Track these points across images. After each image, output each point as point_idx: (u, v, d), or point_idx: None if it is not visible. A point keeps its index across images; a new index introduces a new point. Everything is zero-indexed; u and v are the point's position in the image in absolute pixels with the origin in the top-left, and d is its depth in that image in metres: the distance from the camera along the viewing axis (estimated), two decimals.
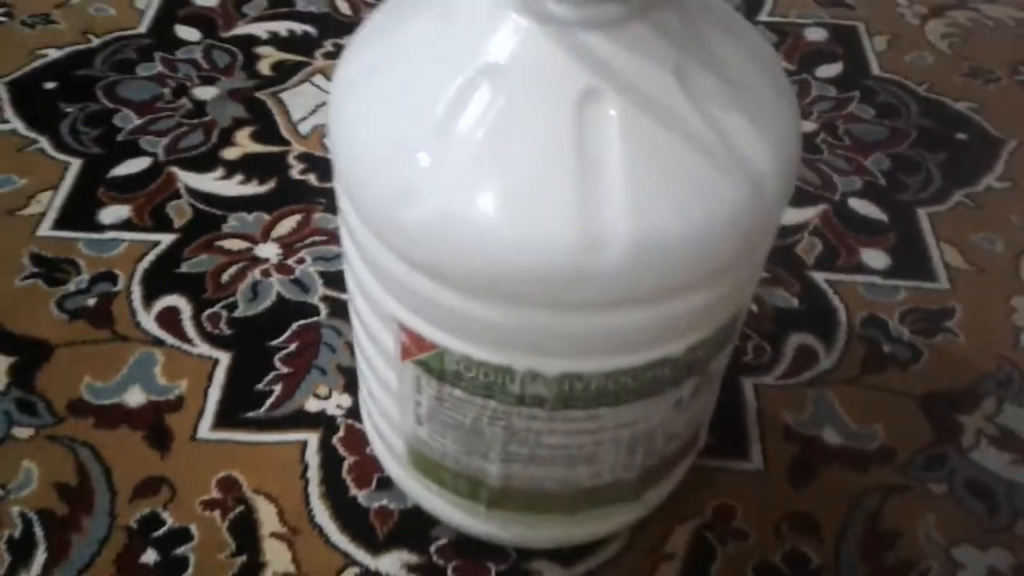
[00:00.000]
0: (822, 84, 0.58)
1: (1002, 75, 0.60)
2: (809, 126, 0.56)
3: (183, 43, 0.58)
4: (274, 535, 0.38)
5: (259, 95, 0.55)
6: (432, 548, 0.38)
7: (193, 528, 0.38)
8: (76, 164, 0.51)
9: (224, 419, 0.41)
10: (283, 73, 0.57)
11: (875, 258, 0.49)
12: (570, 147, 0.24)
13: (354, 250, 0.29)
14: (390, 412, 0.33)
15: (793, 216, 0.51)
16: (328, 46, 0.59)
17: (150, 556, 0.37)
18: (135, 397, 0.42)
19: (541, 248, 0.24)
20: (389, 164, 0.25)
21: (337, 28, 0.60)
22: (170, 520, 0.38)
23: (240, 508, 0.38)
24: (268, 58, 0.58)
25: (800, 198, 0.52)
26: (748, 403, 0.43)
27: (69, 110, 0.54)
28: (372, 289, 0.29)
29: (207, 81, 0.56)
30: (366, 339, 0.32)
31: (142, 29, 0.59)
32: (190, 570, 0.36)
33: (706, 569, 0.37)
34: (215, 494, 0.39)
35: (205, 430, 0.41)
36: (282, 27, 0.60)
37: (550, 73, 0.24)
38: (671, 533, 0.38)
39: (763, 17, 0.63)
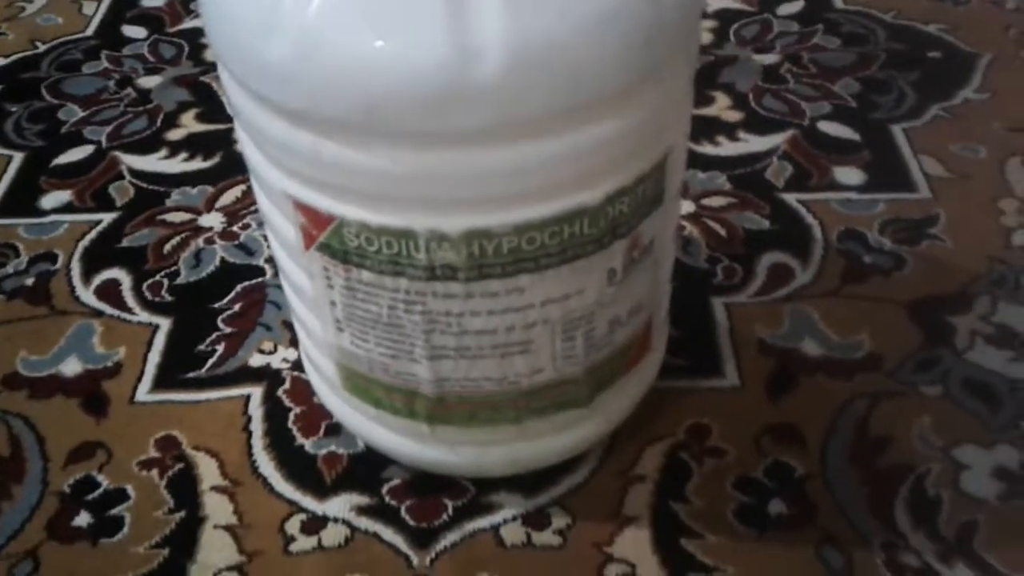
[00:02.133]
0: (784, 21, 0.56)
1: None
2: (772, 59, 0.54)
3: (130, 41, 0.58)
4: (214, 488, 0.35)
5: (205, 79, 0.54)
6: (384, 489, 0.35)
7: (129, 488, 0.35)
8: (18, 157, 0.50)
9: (163, 381, 0.39)
10: None
11: (849, 175, 0.46)
12: None
13: (243, 134, 0.27)
14: (314, 328, 0.31)
15: (759, 144, 0.48)
16: None
17: (83, 518, 0.34)
18: (71, 367, 0.40)
19: (412, 66, 0.22)
20: (244, 7, 0.23)
21: None
22: (105, 482, 0.35)
23: (179, 465, 0.36)
24: None
25: (765, 126, 0.49)
26: (719, 322, 0.40)
27: (14, 110, 0.53)
28: (263, 169, 0.27)
29: (153, 71, 0.55)
30: (276, 243, 0.30)
31: (89, 32, 0.59)
32: (125, 529, 0.34)
33: (681, 489, 0.34)
34: (153, 453, 0.36)
35: (143, 393, 0.38)
36: None
37: None
38: (641, 455, 0.35)
39: None
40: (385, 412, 0.32)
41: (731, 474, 0.35)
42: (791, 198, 0.45)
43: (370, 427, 0.33)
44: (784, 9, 0.57)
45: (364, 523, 0.34)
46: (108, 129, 0.51)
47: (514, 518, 0.34)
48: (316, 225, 0.26)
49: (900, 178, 0.46)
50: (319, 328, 0.30)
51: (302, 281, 0.29)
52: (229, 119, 0.52)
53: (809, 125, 0.49)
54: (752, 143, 0.48)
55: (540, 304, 0.27)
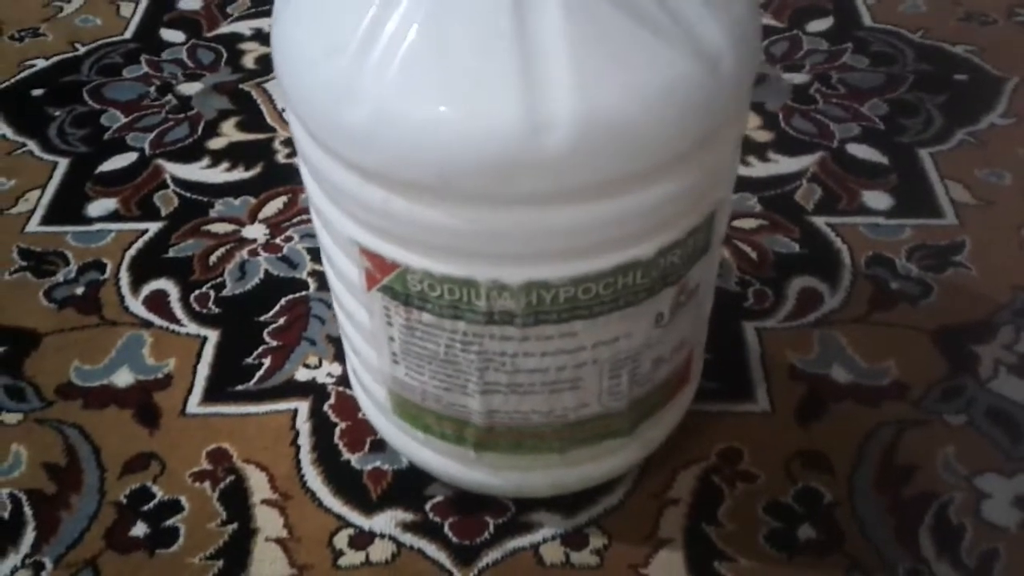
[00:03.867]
0: (813, 38, 0.57)
1: (998, 17, 0.58)
2: (801, 78, 0.54)
3: (168, 45, 0.59)
4: (265, 502, 0.37)
5: (244, 87, 0.55)
6: (427, 506, 0.36)
7: (183, 500, 0.37)
8: (63, 163, 0.51)
9: (213, 394, 0.40)
10: (267, 65, 0.57)
11: (877, 199, 0.48)
12: (508, 29, 0.23)
13: (311, 179, 0.29)
14: (368, 357, 0.32)
15: (789, 165, 0.49)
16: None
17: (140, 529, 0.36)
18: (123, 378, 0.41)
19: (483, 135, 0.23)
20: (324, 66, 0.24)
21: None
22: (160, 493, 0.37)
23: (231, 478, 0.37)
24: (252, 52, 0.58)
25: (795, 147, 0.50)
26: (751, 347, 0.41)
27: (57, 114, 0.54)
28: (331, 214, 0.28)
29: (192, 78, 0.56)
30: (335, 278, 0.31)
31: (127, 35, 0.60)
32: (180, 540, 0.35)
33: (713, 512, 0.36)
34: (205, 465, 0.38)
35: (194, 405, 0.40)
36: (265, 23, 0.60)
37: None
38: (675, 478, 0.37)
39: None
40: (434, 437, 0.33)
41: (762, 498, 0.36)
42: (820, 221, 0.46)
43: (418, 449, 0.34)
44: (814, 26, 0.58)
45: (409, 539, 0.35)
46: (151, 136, 0.52)
47: (553, 537, 0.35)
48: (380, 270, 0.27)
49: (927, 203, 0.47)
50: (374, 358, 0.32)
51: (361, 315, 0.31)
52: (269, 128, 0.53)
53: (838, 147, 0.50)
54: (782, 164, 0.49)
55: (591, 347, 0.28)
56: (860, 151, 0.50)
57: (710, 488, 0.36)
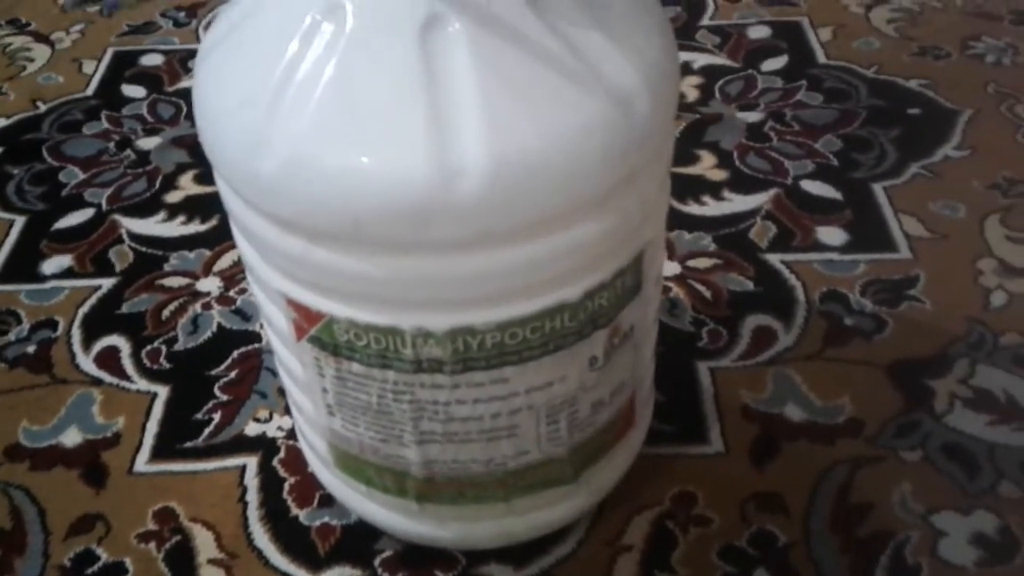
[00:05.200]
0: (768, 77, 0.58)
1: (952, 51, 0.59)
2: (755, 116, 0.55)
3: (129, 100, 0.59)
4: (211, 562, 0.36)
5: None
6: (376, 561, 0.36)
7: (127, 562, 0.36)
8: (20, 221, 0.51)
9: (161, 451, 0.40)
10: None
11: (831, 235, 0.48)
12: (417, 77, 0.23)
13: (238, 231, 0.28)
14: (307, 409, 0.32)
15: (744, 203, 0.49)
16: None
17: None
18: (71, 437, 0.40)
19: (394, 184, 0.23)
20: (236, 119, 0.24)
21: None
22: (104, 556, 0.36)
23: (176, 538, 0.37)
24: None
25: (749, 185, 0.50)
26: (704, 387, 0.41)
27: (15, 172, 0.54)
28: (257, 266, 0.28)
29: (151, 132, 0.56)
30: (269, 330, 0.31)
31: (89, 92, 0.60)
32: None
33: (667, 559, 0.35)
34: (151, 526, 0.37)
35: (142, 464, 0.39)
36: None
37: (390, 3, 0.23)
38: (628, 524, 0.36)
39: (705, 21, 0.63)
40: (376, 490, 0.32)
41: (716, 543, 0.35)
42: (775, 259, 0.46)
43: (362, 502, 0.34)
44: (768, 65, 0.59)
45: None
46: (108, 192, 0.52)
47: None
48: (307, 320, 0.27)
49: (881, 238, 0.47)
50: (311, 410, 0.31)
51: (295, 366, 0.30)
52: None
53: (792, 184, 0.50)
54: (736, 202, 0.50)
55: (524, 392, 0.28)
56: (814, 187, 0.50)
57: (664, 534, 0.36)
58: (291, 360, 0.30)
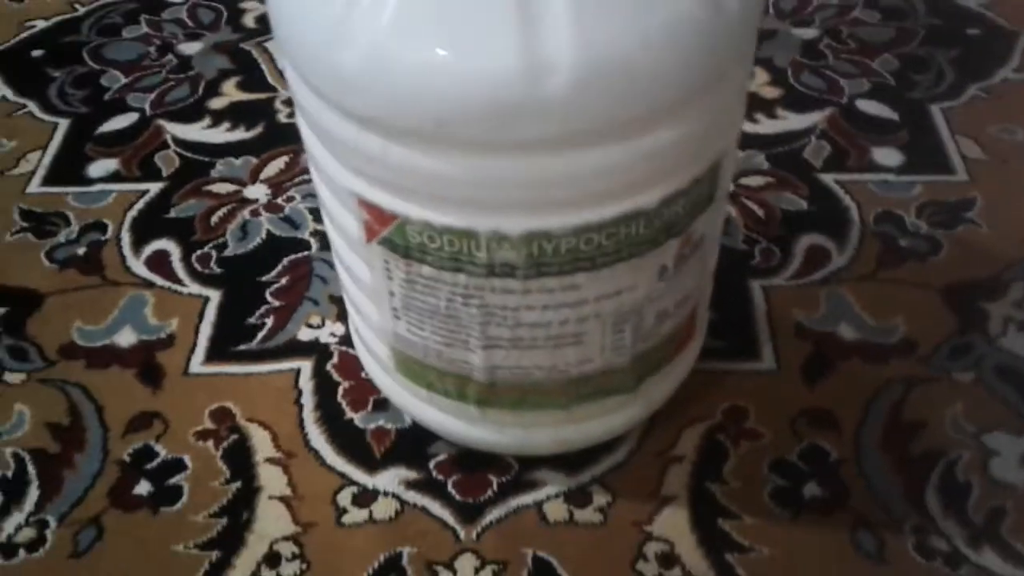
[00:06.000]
0: None
1: None
2: (811, 33, 0.53)
3: (168, 5, 0.58)
4: (269, 460, 0.36)
5: (244, 46, 0.55)
6: (431, 464, 0.36)
7: (187, 459, 0.37)
8: (64, 124, 0.51)
9: (216, 353, 0.40)
10: (268, 24, 0.56)
11: (887, 156, 0.47)
12: None
13: (309, 130, 0.28)
14: (370, 314, 0.32)
15: (798, 121, 0.49)
16: None
17: (143, 487, 0.36)
18: (126, 338, 0.41)
19: (482, 79, 0.22)
20: (316, 10, 0.24)
21: None
22: (163, 452, 0.37)
23: (234, 437, 0.37)
24: (252, 12, 0.57)
25: (804, 103, 0.49)
26: (757, 305, 0.41)
27: (56, 75, 0.53)
28: (329, 166, 0.27)
29: (192, 37, 0.55)
30: (335, 233, 0.31)
31: None
32: (184, 498, 0.35)
33: (719, 470, 0.35)
34: (208, 425, 0.38)
35: (197, 365, 0.40)
36: None
37: None
38: (679, 436, 0.36)
39: None
40: (437, 394, 0.33)
41: (767, 456, 0.36)
42: (829, 179, 0.46)
43: (421, 407, 0.34)
44: None
45: (412, 497, 0.35)
46: (151, 96, 0.52)
47: (556, 495, 0.35)
48: (379, 221, 0.27)
49: (938, 160, 0.46)
50: (375, 314, 0.31)
51: (361, 270, 0.30)
52: (270, 88, 0.52)
53: (848, 103, 0.49)
54: (791, 121, 0.49)
55: (594, 300, 0.28)
56: (870, 107, 0.49)
57: (715, 446, 0.36)
58: (357, 263, 0.30)
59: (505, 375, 0.31)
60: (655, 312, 0.30)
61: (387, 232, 0.27)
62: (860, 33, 0.53)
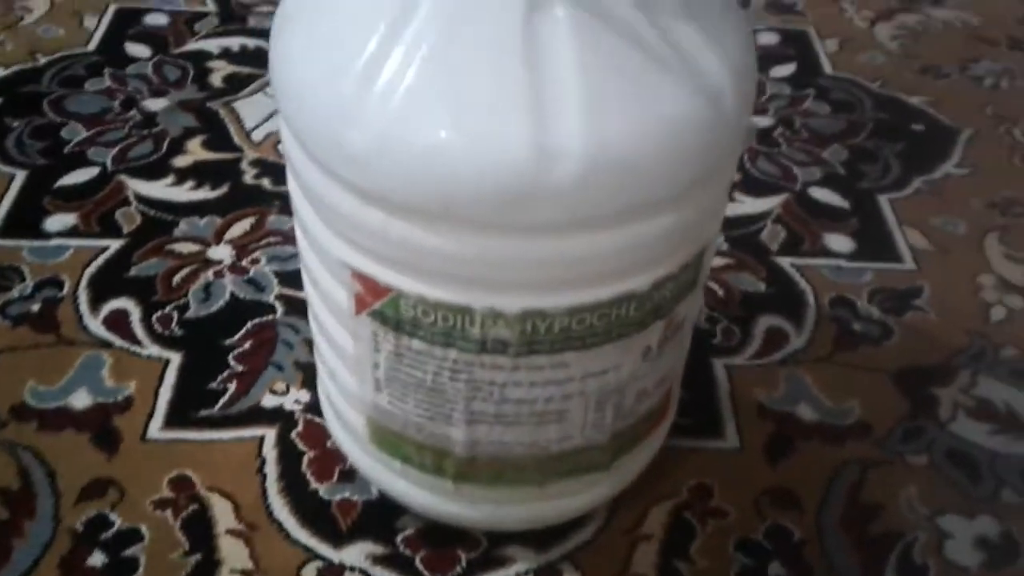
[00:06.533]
0: (777, 83, 0.59)
1: (952, 71, 0.61)
2: (766, 121, 0.56)
3: (133, 60, 0.57)
4: (230, 532, 0.35)
5: (211, 105, 0.54)
6: (398, 539, 0.36)
7: (143, 528, 0.35)
8: (21, 175, 0.49)
9: (176, 418, 0.39)
10: (236, 84, 0.56)
11: (839, 242, 0.49)
12: (519, 57, 0.23)
13: (302, 197, 0.28)
14: (347, 384, 0.32)
15: (755, 205, 0.50)
16: None
17: (97, 558, 0.34)
18: (81, 400, 0.40)
19: (492, 163, 0.23)
20: (328, 86, 0.24)
21: None
22: (119, 521, 0.36)
23: (194, 506, 0.36)
24: (220, 71, 0.57)
25: (760, 188, 0.51)
26: (720, 383, 0.42)
27: (15, 124, 0.52)
28: (322, 236, 0.28)
29: (157, 94, 0.55)
30: (319, 301, 0.31)
31: (91, 47, 0.58)
32: (140, 570, 0.34)
33: (686, 549, 0.36)
34: (167, 493, 0.36)
35: (155, 430, 0.39)
36: (234, 43, 0.59)
37: None
38: (647, 514, 0.37)
39: None
40: (412, 467, 0.32)
41: (733, 535, 0.36)
42: (785, 262, 0.47)
43: (393, 480, 0.34)
44: (777, 71, 0.60)
45: (380, 572, 0.34)
46: (113, 151, 0.51)
47: (526, 572, 0.35)
48: (372, 294, 0.27)
49: (886, 248, 0.48)
50: (354, 384, 0.31)
51: (344, 340, 0.30)
52: (236, 148, 0.52)
53: (801, 190, 0.51)
54: (747, 205, 0.50)
55: (580, 378, 0.28)
56: (822, 195, 0.51)
57: (682, 524, 0.37)
58: (341, 333, 0.30)
59: (485, 450, 0.31)
60: (636, 391, 0.30)
61: (379, 305, 0.27)
62: (812, 124, 0.56)
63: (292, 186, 0.29)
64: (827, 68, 0.60)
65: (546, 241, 0.24)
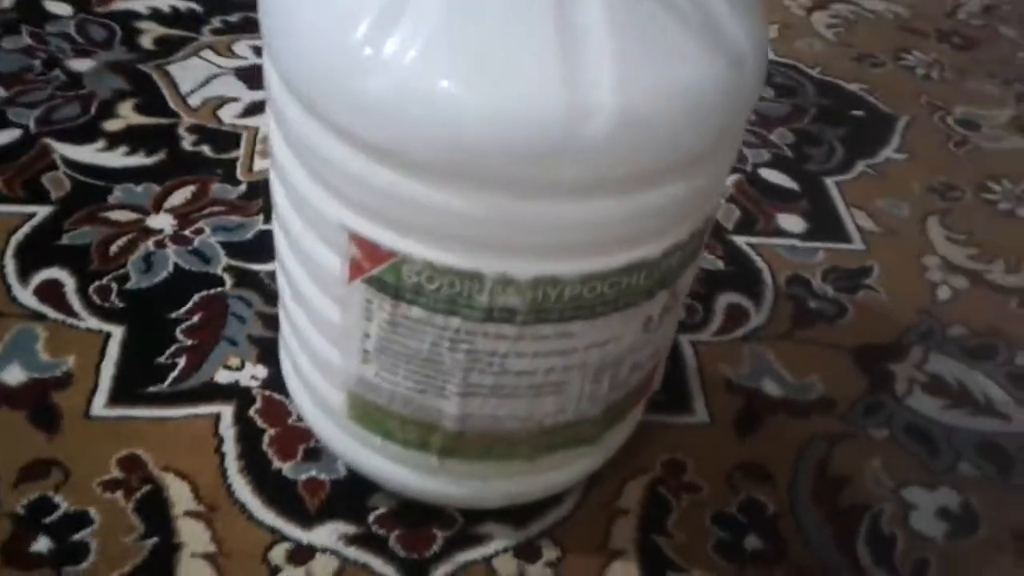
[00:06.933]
0: None
1: (886, 60, 0.62)
2: None
3: (53, 17, 0.53)
4: (189, 514, 0.33)
5: (143, 68, 0.51)
6: (370, 518, 0.34)
7: (92, 512, 0.33)
8: None
9: (121, 395, 0.36)
10: (168, 47, 0.53)
11: (792, 222, 0.49)
12: (551, 8, 0.22)
13: (290, 156, 0.26)
14: (326, 356, 0.30)
15: None
16: (216, 23, 0.55)
17: (42, 544, 0.32)
18: (14, 375, 0.36)
19: (521, 118, 0.22)
20: (338, 31, 0.22)
21: (224, 6, 0.57)
22: (64, 504, 0.33)
23: (147, 487, 0.34)
24: (150, 32, 0.54)
25: None
26: (687, 360, 0.41)
27: None
28: (313, 196, 0.26)
29: (82, 54, 0.51)
30: (298, 268, 0.29)
31: (5, 3, 0.54)
32: (91, 556, 0.32)
33: (662, 523, 0.35)
34: (116, 474, 0.34)
35: (100, 407, 0.36)
36: (163, 3, 0.56)
37: None
38: (623, 489, 0.36)
39: None
40: (393, 443, 0.31)
41: (708, 509, 0.36)
42: (741, 241, 0.48)
43: (369, 457, 0.32)
44: None
45: (353, 553, 0.33)
46: (36, 113, 0.47)
47: (505, 550, 0.34)
48: (371, 259, 0.26)
49: (836, 229, 0.49)
50: (336, 357, 0.30)
51: (328, 310, 0.28)
52: (172, 114, 0.49)
53: (752, 171, 0.52)
54: None
55: (583, 348, 0.27)
56: (772, 176, 0.52)
57: (657, 499, 0.36)
58: (324, 303, 0.28)
59: (476, 424, 0.29)
60: (631, 363, 0.30)
61: (377, 271, 0.26)
62: (758, 106, 0.56)
63: (278, 145, 0.27)
64: (769, 53, 0.61)
65: (567, 203, 0.23)
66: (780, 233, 0.49)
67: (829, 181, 0.52)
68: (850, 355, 0.43)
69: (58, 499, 0.33)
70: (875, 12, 0.67)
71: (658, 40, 0.23)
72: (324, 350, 0.30)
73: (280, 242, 0.30)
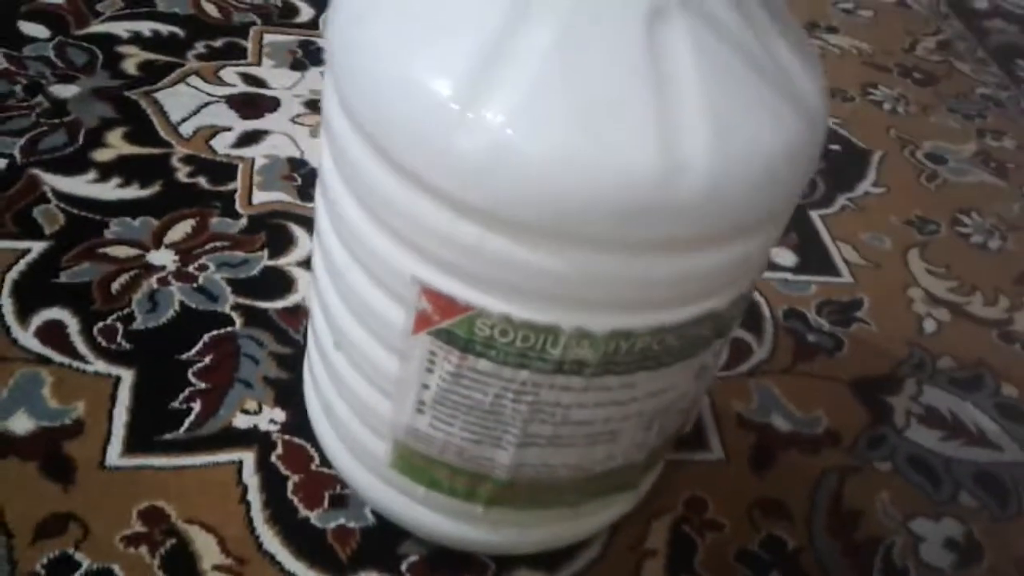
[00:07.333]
0: None
1: (855, 95, 0.64)
2: None
3: (31, 40, 0.51)
4: (217, 568, 0.32)
5: (130, 95, 0.50)
6: (403, 566, 0.34)
7: (117, 569, 0.32)
8: None
9: (137, 443, 0.35)
10: (153, 73, 0.51)
11: (783, 256, 0.50)
12: (644, 65, 0.22)
13: (353, 203, 0.26)
14: (375, 408, 0.29)
15: None
16: (200, 48, 0.54)
17: None
18: (22, 424, 0.35)
19: (617, 176, 0.22)
20: (428, 88, 0.22)
21: (207, 30, 0.55)
22: (87, 562, 0.31)
23: (171, 541, 0.33)
24: (133, 57, 0.52)
25: None
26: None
27: None
28: (383, 249, 0.25)
29: (65, 79, 0.49)
30: (350, 319, 0.28)
31: None
32: None
33: (690, 562, 0.36)
34: (138, 527, 0.33)
35: (115, 456, 0.35)
36: (144, 27, 0.54)
37: None
38: (649, 529, 0.36)
39: None
40: (438, 493, 0.31)
41: (731, 547, 0.37)
42: None
43: (408, 506, 0.32)
44: None
45: None
46: (21, 142, 0.45)
47: None
48: (442, 312, 0.25)
49: (826, 262, 0.51)
50: (386, 407, 0.29)
51: (382, 361, 0.28)
52: (163, 143, 0.47)
53: None
54: None
55: (643, 398, 0.28)
56: None
57: (682, 538, 0.36)
58: (378, 353, 0.28)
59: (528, 473, 0.29)
60: (679, 409, 0.30)
61: (448, 323, 0.25)
62: None
63: (337, 190, 0.27)
64: None
65: (652, 258, 0.24)
66: (773, 267, 0.50)
67: (814, 214, 0.54)
68: (850, 388, 0.44)
69: (79, 556, 0.32)
70: (840, 47, 0.69)
71: (745, 97, 0.23)
72: (371, 399, 0.30)
73: (324, 289, 0.30)
